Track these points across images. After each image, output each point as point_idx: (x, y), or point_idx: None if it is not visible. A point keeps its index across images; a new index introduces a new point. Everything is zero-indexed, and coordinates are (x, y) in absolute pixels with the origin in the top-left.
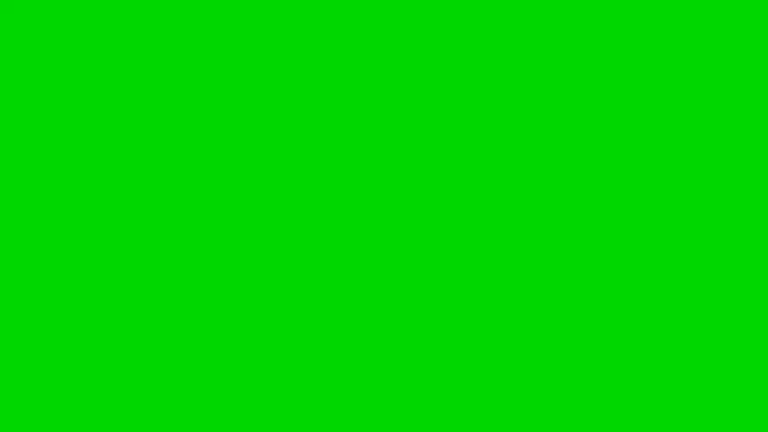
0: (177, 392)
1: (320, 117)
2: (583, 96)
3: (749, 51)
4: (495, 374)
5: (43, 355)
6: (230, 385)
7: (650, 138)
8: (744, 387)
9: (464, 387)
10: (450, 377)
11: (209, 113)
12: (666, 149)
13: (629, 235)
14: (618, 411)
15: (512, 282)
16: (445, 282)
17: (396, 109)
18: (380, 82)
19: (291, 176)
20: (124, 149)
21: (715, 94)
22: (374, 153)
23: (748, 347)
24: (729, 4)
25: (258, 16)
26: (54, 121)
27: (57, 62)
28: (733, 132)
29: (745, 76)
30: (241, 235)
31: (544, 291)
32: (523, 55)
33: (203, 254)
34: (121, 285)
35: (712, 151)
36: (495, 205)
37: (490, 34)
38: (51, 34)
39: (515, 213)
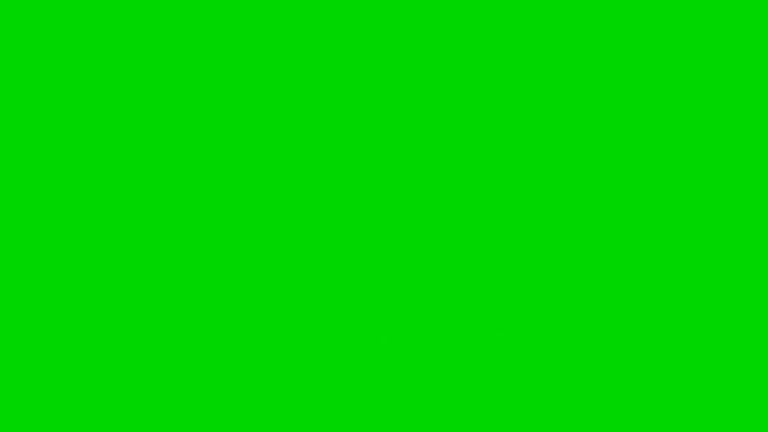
0: (177, 392)
1: (320, 117)
2: (583, 96)
3: (749, 51)
4: (495, 374)
5: (43, 355)
6: (230, 385)
7: (650, 138)
8: (744, 387)
9: (463, 387)
10: (450, 377)
11: (209, 113)
12: (666, 149)
13: (630, 235)
14: (618, 411)
15: (512, 282)
16: (445, 282)
17: (395, 109)
18: (381, 82)
19: (291, 176)
20: (124, 149)
21: (715, 95)
22: (374, 153)
23: (748, 348)
24: (729, 3)
25: (258, 16)
26: (54, 121)
27: (57, 62)
28: (733, 132)
29: (746, 76)
30: (241, 235)
31: (544, 291)
32: (523, 55)
33: (203, 254)
34: (121, 285)
35: (712, 151)
36: (495, 206)
37: (490, 34)
38: (51, 34)
39: (515, 213)
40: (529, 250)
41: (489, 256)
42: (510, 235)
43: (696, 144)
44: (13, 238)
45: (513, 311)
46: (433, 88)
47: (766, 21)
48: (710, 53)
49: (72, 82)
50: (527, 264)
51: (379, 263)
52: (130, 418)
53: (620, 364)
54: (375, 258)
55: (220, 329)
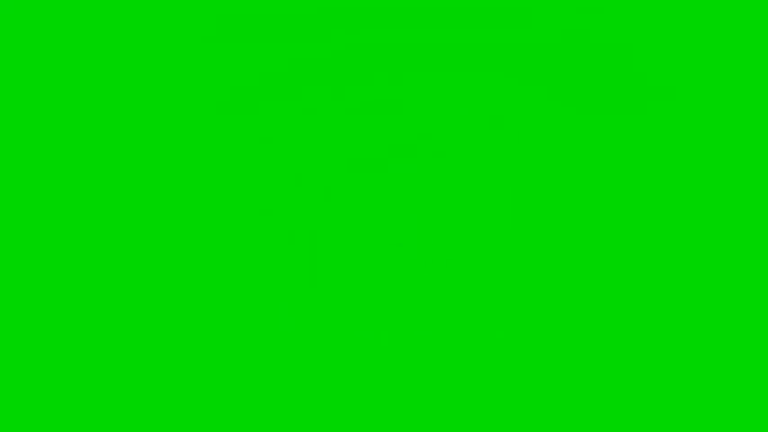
0: (177, 392)
1: (320, 117)
2: (583, 96)
3: (749, 51)
4: (495, 374)
5: (43, 355)
6: (230, 385)
7: (650, 138)
8: (744, 387)
9: (464, 387)
10: (450, 377)
11: (209, 113)
12: (666, 149)
13: (630, 235)
14: (618, 411)
15: (512, 282)
16: (444, 282)
17: (395, 109)
18: (381, 82)
19: (291, 177)
20: (124, 149)
21: (715, 95)
22: (374, 153)
23: (748, 347)
24: (729, 3)
25: (258, 16)
26: (54, 121)
27: (57, 62)
28: (733, 132)
29: (746, 76)
30: (241, 235)
31: (544, 291)
32: (523, 55)
33: (203, 254)
34: (121, 285)
35: (712, 151)
36: (496, 205)
37: (490, 34)
38: (51, 34)
39: (515, 213)
40: (529, 250)
41: (489, 255)
42: (510, 235)
43: (696, 144)
44: (13, 238)
45: (514, 311)
46: (433, 88)
47: (766, 21)
48: (710, 53)
49: (72, 82)
50: (527, 264)
51: (379, 263)
52: (130, 419)
53: (620, 364)
54: (375, 258)
55: (220, 329)
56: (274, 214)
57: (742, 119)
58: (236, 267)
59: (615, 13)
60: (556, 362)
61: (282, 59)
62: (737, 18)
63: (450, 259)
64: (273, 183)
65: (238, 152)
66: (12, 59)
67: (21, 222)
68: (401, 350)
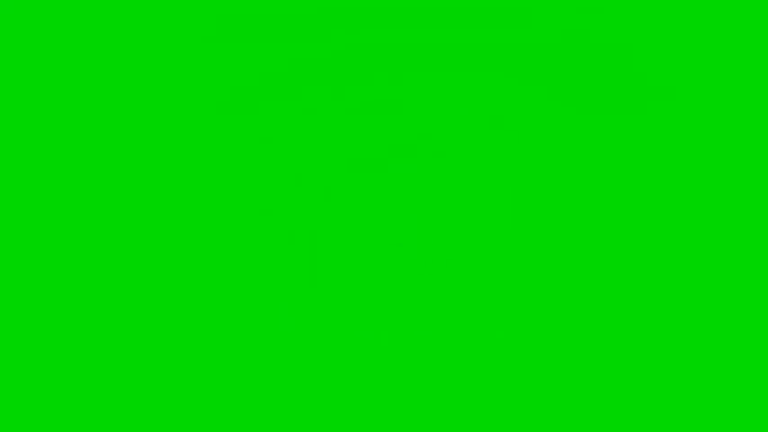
0: (177, 392)
1: (320, 117)
2: (583, 96)
3: (749, 51)
4: (495, 374)
5: (43, 355)
6: (230, 385)
7: (650, 138)
8: (744, 387)
9: (464, 387)
10: (450, 377)
11: (209, 114)
12: (666, 149)
13: (630, 235)
14: (618, 411)
15: (512, 282)
16: (445, 282)
17: (396, 109)
18: (381, 82)
19: (291, 177)
20: (124, 149)
21: (715, 95)
22: (374, 153)
23: (748, 347)
24: (729, 3)
25: (258, 16)
26: (54, 122)
27: (57, 62)
28: (733, 132)
29: (746, 76)
30: (241, 235)
31: (544, 291)
32: (523, 55)
33: (203, 254)
34: (121, 285)
35: (712, 151)
36: (496, 205)
37: (490, 34)
38: (51, 34)
39: (515, 213)
40: (529, 250)
41: (489, 256)
42: (510, 235)
43: (696, 144)
44: (13, 238)
45: (513, 311)
46: (433, 88)
47: (766, 21)
48: (710, 53)
49: (72, 82)
50: (527, 264)
51: (379, 263)
52: (130, 419)
53: (621, 364)
54: (375, 258)
55: (220, 329)
56: (274, 214)
57: (742, 119)
58: (236, 267)
59: (615, 13)
60: (556, 362)
61: (282, 59)
62: (737, 18)
63: (449, 259)
64: (274, 182)
65: (238, 152)
66: (12, 59)
67: (21, 222)
68: (401, 349)
